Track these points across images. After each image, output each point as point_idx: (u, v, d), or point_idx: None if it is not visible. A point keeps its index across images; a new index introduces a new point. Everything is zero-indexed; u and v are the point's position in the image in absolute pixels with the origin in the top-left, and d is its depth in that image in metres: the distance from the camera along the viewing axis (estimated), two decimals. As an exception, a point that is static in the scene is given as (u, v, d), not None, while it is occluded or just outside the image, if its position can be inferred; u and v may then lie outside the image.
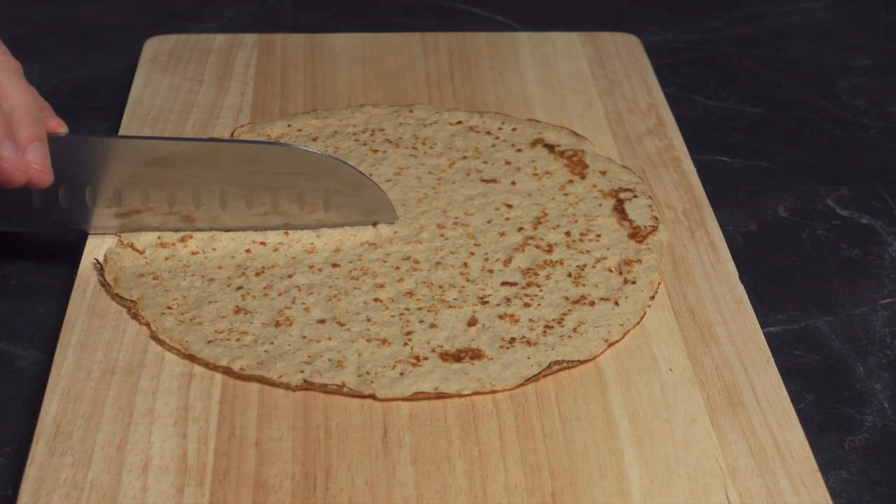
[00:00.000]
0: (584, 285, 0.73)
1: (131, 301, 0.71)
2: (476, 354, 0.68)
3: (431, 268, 0.74)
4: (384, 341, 0.69)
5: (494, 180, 0.82)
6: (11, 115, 0.70)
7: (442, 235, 0.77)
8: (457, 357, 0.68)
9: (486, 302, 0.72)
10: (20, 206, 0.74)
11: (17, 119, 0.70)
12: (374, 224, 0.77)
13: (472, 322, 0.70)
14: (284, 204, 0.76)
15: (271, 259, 0.75)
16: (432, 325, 0.70)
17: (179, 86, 0.92)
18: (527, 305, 0.72)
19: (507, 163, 0.84)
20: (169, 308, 0.71)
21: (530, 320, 0.70)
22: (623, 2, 1.14)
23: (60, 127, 0.74)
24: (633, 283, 0.73)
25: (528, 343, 0.69)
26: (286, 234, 0.76)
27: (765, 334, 0.71)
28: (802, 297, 0.78)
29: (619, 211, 0.79)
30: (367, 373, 0.67)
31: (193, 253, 0.75)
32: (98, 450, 0.62)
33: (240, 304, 0.71)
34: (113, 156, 0.74)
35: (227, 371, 0.67)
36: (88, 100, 0.96)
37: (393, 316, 0.71)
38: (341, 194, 0.76)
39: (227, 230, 0.76)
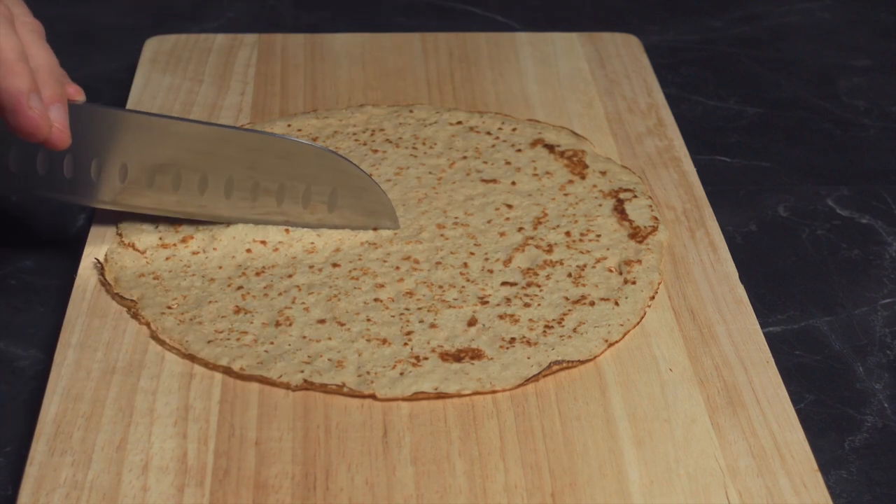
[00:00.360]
0: (584, 285, 0.73)
1: (131, 301, 0.71)
2: (476, 354, 0.68)
3: (431, 268, 0.74)
4: (384, 341, 0.69)
5: (494, 180, 0.82)
6: (37, 73, 0.70)
7: (442, 235, 0.77)
8: (457, 357, 0.68)
9: (486, 302, 0.72)
10: (23, 170, 0.74)
11: (42, 79, 0.70)
12: (375, 228, 0.77)
13: (472, 322, 0.70)
14: (288, 200, 0.76)
15: (271, 259, 0.75)
16: (432, 325, 0.70)
17: (179, 86, 0.92)
18: (527, 305, 0.72)
19: (507, 163, 0.84)
20: (169, 308, 0.71)
21: (530, 320, 0.70)
22: (623, 2, 1.14)
23: (79, 94, 0.74)
24: (633, 283, 0.73)
25: (528, 343, 0.69)
26: (286, 231, 0.76)
27: (765, 334, 0.71)
28: (802, 297, 0.78)
29: (619, 211, 0.79)
30: (367, 373, 0.67)
31: (194, 253, 0.75)
32: (98, 450, 0.62)
33: (240, 303, 0.71)
34: (125, 130, 0.74)
35: (227, 371, 0.67)
36: (88, 100, 0.96)
37: (393, 316, 0.71)
38: (346, 196, 0.76)
39: (227, 223, 0.76)
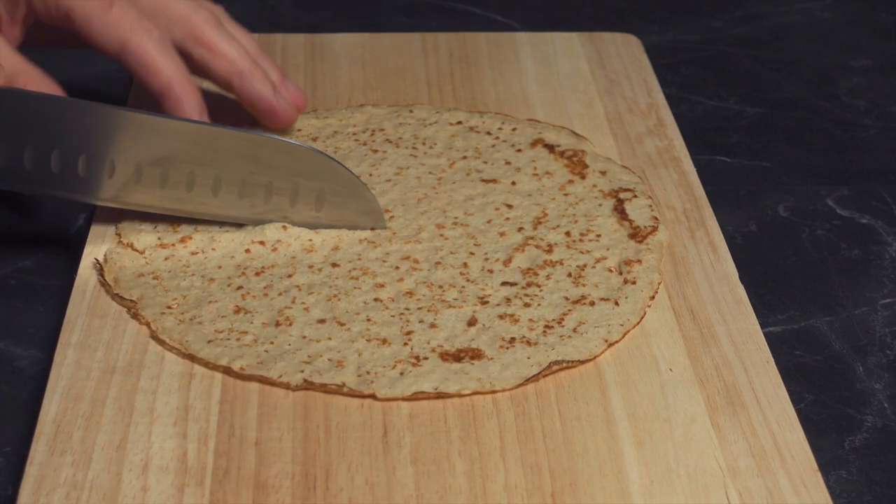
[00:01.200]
0: (584, 285, 0.73)
1: (131, 301, 0.71)
2: (476, 354, 0.68)
3: (431, 268, 0.74)
4: (384, 341, 0.69)
5: (494, 180, 0.82)
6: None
7: (442, 235, 0.77)
8: (457, 357, 0.68)
9: (486, 302, 0.72)
10: (10, 164, 0.73)
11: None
12: (373, 229, 0.77)
13: (472, 322, 0.70)
14: (277, 198, 0.76)
15: (271, 259, 0.75)
16: (432, 325, 0.70)
17: (179, 86, 0.92)
18: (527, 305, 0.71)
19: (507, 163, 0.84)
20: (169, 308, 0.71)
21: (530, 320, 0.70)
22: (623, 2, 1.14)
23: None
24: (633, 283, 0.73)
25: (528, 343, 0.69)
26: (283, 228, 0.76)
27: (765, 334, 0.71)
28: (802, 297, 0.78)
29: (619, 211, 0.79)
30: (367, 373, 0.67)
31: (193, 253, 0.75)
32: (98, 449, 0.62)
33: (240, 303, 0.71)
34: (112, 126, 0.73)
35: (227, 371, 0.67)
36: (88, 100, 0.96)
37: (393, 316, 0.71)
38: (334, 195, 0.76)
39: (216, 219, 0.76)
